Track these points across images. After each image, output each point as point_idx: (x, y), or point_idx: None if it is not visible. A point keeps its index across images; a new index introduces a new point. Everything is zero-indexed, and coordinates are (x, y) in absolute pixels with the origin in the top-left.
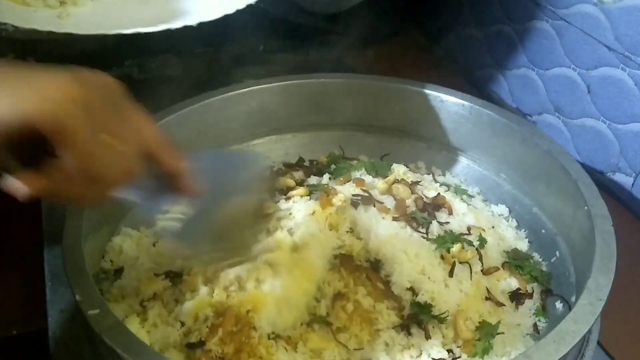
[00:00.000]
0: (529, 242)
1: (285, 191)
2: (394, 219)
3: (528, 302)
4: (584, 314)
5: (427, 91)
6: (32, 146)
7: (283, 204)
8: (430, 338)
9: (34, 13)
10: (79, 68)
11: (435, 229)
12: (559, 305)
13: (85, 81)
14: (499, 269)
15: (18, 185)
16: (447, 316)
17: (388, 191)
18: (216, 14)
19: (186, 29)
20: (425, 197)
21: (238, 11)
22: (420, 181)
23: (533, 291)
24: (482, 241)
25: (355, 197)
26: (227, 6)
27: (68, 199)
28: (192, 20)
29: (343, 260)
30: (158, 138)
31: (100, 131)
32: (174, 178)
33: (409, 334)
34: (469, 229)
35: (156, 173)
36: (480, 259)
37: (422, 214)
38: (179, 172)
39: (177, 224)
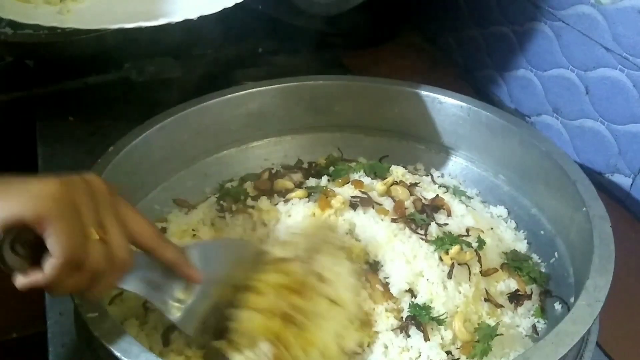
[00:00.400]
0: (527, 243)
1: (283, 193)
2: (393, 220)
3: (527, 304)
4: (583, 315)
5: (425, 93)
6: (36, 248)
7: (282, 206)
8: (429, 340)
9: (34, 9)
10: (69, 174)
11: (434, 230)
12: (557, 306)
13: (70, 182)
14: (497, 270)
15: (21, 281)
16: (446, 317)
17: (387, 193)
18: (217, 7)
19: (184, 30)
20: (424, 198)
21: (238, 10)
22: (418, 183)
23: (532, 292)
24: (481, 242)
25: (354, 199)
26: (226, 1)
27: (69, 291)
28: (193, 14)
29: None
30: (151, 232)
31: (86, 226)
32: (173, 267)
33: (408, 335)
34: (467, 230)
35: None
36: (479, 260)
37: (420, 216)
38: (176, 262)
39: (178, 312)
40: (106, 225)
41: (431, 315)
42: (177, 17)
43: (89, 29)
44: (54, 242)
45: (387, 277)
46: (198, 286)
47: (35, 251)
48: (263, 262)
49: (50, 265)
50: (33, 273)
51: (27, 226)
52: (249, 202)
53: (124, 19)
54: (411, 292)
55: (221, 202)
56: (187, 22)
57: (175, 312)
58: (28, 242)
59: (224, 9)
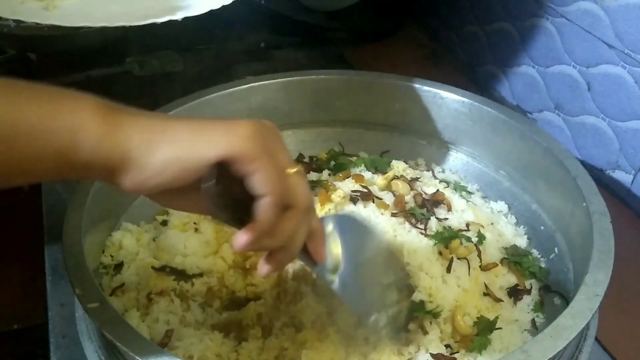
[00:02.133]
0: (527, 238)
1: None
2: (393, 214)
3: (526, 298)
4: (581, 310)
5: (427, 88)
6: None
7: None
8: (427, 334)
9: (20, 4)
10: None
11: (433, 225)
12: (557, 301)
13: (263, 125)
14: (497, 265)
15: (243, 238)
16: (441, 310)
17: (387, 187)
18: (202, 9)
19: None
20: (425, 193)
21: (240, 5)
22: (419, 177)
23: (531, 287)
24: (481, 237)
25: (355, 193)
26: (213, 2)
27: (283, 240)
28: (178, 15)
29: None
30: (310, 194)
31: (284, 166)
32: (310, 237)
33: (407, 330)
34: (467, 225)
35: None
36: (479, 255)
37: (421, 210)
38: (316, 233)
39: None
40: (297, 165)
41: (426, 309)
42: (161, 18)
43: (71, 27)
44: (263, 179)
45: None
46: (344, 263)
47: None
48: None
49: (265, 205)
50: (248, 226)
51: (233, 164)
52: None
53: (108, 17)
54: (410, 286)
55: None
56: (191, 17)
57: (333, 281)
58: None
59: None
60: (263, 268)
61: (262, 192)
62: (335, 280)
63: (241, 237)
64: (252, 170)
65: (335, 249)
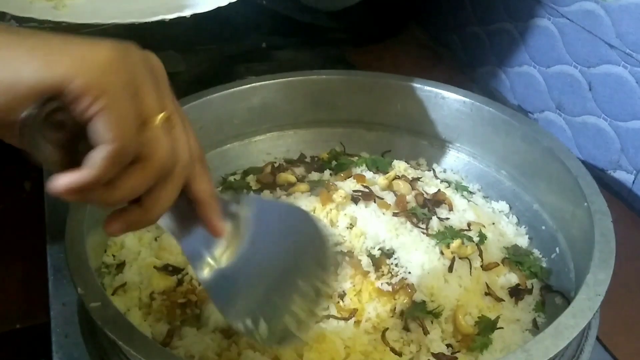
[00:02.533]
0: (529, 238)
1: (286, 187)
2: (394, 214)
3: (527, 298)
4: (582, 309)
5: (428, 88)
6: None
7: (284, 200)
8: (428, 333)
9: (30, 4)
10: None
11: (435, 224)
12: (558, 301)
13: (128, 51)
14: (498, 264)
15: (60, 182)
16: (442, 310)
17: (389, 187)
18: (210, 6)
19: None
20: (426, 193)
21: (242, 5)
22: (420, 177)
23: (533, 287)
24: (482, 237)
25: (356, 193)
26: None
27: (124, 196)
28: (186, 12)
29: (343, 257)
30: (199, 147)
31: (147, 108)
32: (198, 205)
33: (408, 330)
34: (469, 225)
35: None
36: (480, 254)
37: (422, 210)
38: (206, 199)
39: (207, 271)
40: (169, 113)
41: (427, 309)
42: (171, 15)
43: (84, 23)
44: (106, 122)
45: (389, 272)
46: (243, 253)
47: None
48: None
49: (101, 153)
50: (75, 170)
51: (72, 96)
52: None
53: (117, 15)
54: (412, 286)
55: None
56: (193, 17)
57: (204, 269)
58: (63, 126)
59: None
60: (109, 224)
61: (102, 140)
62: (207, 270)
63: (59, 179)
64: (94, 110)
65: (235, 236)
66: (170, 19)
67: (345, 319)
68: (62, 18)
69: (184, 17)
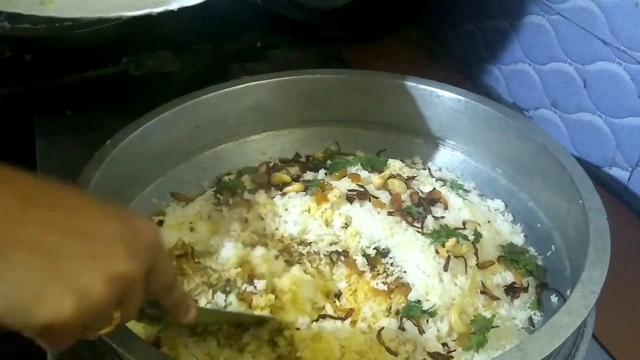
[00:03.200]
0: (524, 236)
1: (281, 187)
2: (389, 213)
3: (523, 296)
4: (578, 307)
5: (423, 86)
6: None
7: (279, 200)
8: (424, 332)
9: (16, 0)
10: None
11: (430, 223)
12: (554, 298)
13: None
14: (494, 263)
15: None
16: (438, 309)
17: (384, 186)
18: (196, 0)
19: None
20: (421, 191)
21: (236, 4)
22: (416, 176)
23: (528, 285)
24: (478, 235)
25: (351, 192)
26: None
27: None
28: (173, 5)
29: (339, 257)
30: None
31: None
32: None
33: (403, 329)
34: (464, 223)
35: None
36: (476, 253)
37: (417, 209)
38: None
39: None
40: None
41: (422, 308)
42: (158, 9)
43: (73, 18)
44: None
45: (385, 271)
46: None
47: None
48: None
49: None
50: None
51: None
52: (246, 195)
53: (104, 9)
54: (407, 285)
55: (218, 195)
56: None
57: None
58: None
59: (206, 1)
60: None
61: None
62: None
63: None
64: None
65: None
66: (164, 18)
67: (342, 319)
68: (48, 13)
69: (178, 16)
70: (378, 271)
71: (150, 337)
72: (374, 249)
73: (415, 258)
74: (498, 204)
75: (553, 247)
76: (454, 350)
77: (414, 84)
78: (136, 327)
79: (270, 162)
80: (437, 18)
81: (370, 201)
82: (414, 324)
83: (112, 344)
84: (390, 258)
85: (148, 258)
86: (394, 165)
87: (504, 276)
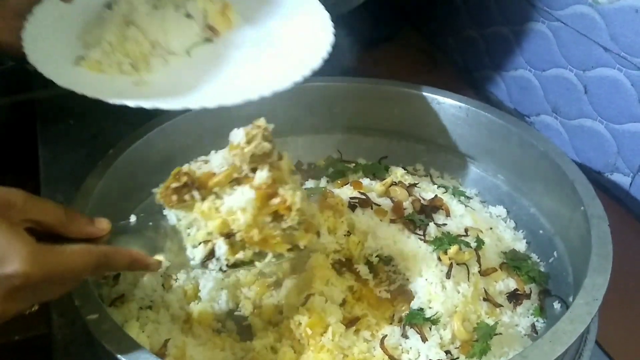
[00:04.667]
0: (526, 242)
1: None
2: (392, 221)
3: (526, 303)
4: (581, 314)
5: (424, 94)
6: None
7: None
8: (427, 340)
9: (110, 82)
10: None
11: (432, 230)
12: (557, 305)
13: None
14: (496, 269)
15: None
16: (441, 317)
17: (386, 194)
18: (288, 83)
19: None
20: (423, 199)
21: None
22: (417, 183)
23: (531, 292)
24: (480, 242)
25: (353, 200)
26: (295, 74)
27: None
28: (266, 91)
29: (342, 264)
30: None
31: None
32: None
33: (406, 337)
34: (466, 230)
35: None
36: (478, 260)
37: (419, 216)
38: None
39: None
40: None
41: (424, 316)
42: (255, 96)
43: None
44: None
45: (387, 279)
46: None
47: None
48: None
49: None
50: None
51: None
52: None
53: (204, 98)
54: (409, 292)
55: None
56: None
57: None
58: None
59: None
60: None
61: None
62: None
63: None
64: None
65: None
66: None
67: (345, 326)
68: (148, 101)
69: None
70: (381, 279)
71: (155, 347)
72: (377, 256)
73: (418, 266)
74: (500, 210)
75: (555, 253)
76: (457, 358)
77: (415, 91)
78: (141, 337)
79: None
80: (438, 25)
81: (372, 209)
82: (417, 332)
83: (116, 354)
84: (393, 266)
85: (18, 215)
86: (396, 172)
87: (507, 283)
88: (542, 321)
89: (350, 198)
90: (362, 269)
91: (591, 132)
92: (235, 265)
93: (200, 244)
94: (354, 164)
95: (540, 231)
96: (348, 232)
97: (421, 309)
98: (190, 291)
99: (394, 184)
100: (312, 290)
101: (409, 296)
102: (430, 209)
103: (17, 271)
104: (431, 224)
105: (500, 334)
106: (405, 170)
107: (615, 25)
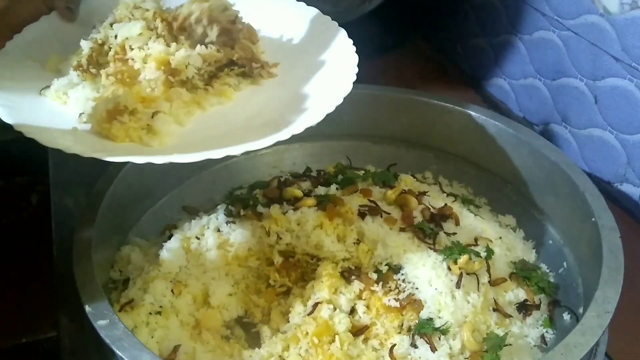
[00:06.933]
0: (536, 253)
1: (293, 201)
2: (401, 229)
3: (535, 314)
4: (592, 327)
5: (434, 102)
6: None
7: (291, 214)
8: (436, 350)
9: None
10: None
11: (442, 239)
12: (566, 316)
13: None
14: (506, 280)
15: None
16: (450, 327)
17: (395, 202)
18: (300, 129)
19: None
20: (432, 207)
21: None
22: (427, 192)
23: (540, 302)
24: (490, 252)
25: (362, 208)
26: (314, 117)
27: None
28: (274, 139)
29: (351, 273)
30: None
31: None
32: None
33: (415, 346)
34: (476, 239)
35: None
36: (488, 270)
37: (429, 225)
38: None
39: None
40: None
41: (434, 326)
42: (264, 143)
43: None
44: None
45: (397, 288)
46: None
47: None
48: None
49: None
50: None
51: None
52: (259, 208)
53: (213, 145)
54: (419, 302)
55: (230, 207)
56: None
57: None
58: None
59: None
60: None
61: None
62: None
63: None
64: None
65: None
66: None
67: (354, 335)
68: (171, 158)
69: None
70: (390, 287)
71: (165, 353)
72: (386, 265)
73: (428, 275)
74: (509, 220)
75: (565, 264)
76: None
77: (425, 99)
78: (150, 342)
79: (281, 177)
80: (447, 33)
81: (382, 217)
82: (426, 342)
83: (125, 359)
84: (402, 274)
85: None
86: (405, 180)
87: (516, 293)
88: (552, 332)
89: (360, 206)
90: (371, 278)
91: (601, 142)
92: None
93: None
94: (363, 171)
95: (550, 241)
96: (357, 240)
97: (430, 319)
98: (199, 297)
99: (403, 192)
100: (320, 299)
101: (418, 305)
102: (440, 217)
103: None
104: (441, 233)
105: (510, 344)
106: (414, 177)
107: (626, 36)
